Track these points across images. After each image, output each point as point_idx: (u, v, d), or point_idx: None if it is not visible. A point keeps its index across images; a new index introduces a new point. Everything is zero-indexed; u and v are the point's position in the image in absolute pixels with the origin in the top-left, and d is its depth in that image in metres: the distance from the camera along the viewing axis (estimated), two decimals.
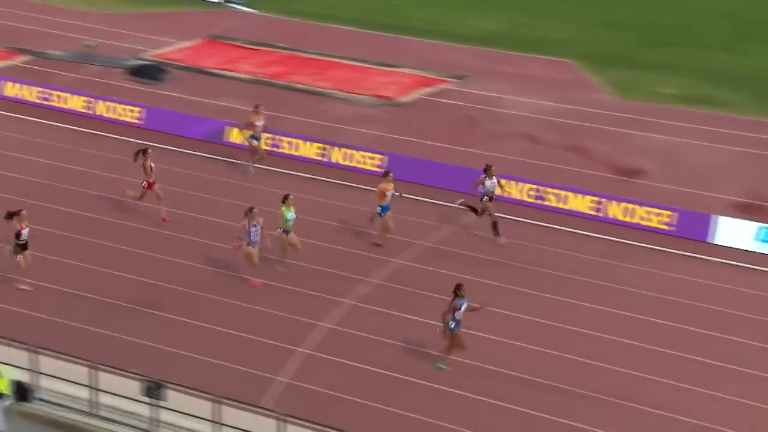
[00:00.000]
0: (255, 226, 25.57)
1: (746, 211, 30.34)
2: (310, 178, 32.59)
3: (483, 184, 28.57)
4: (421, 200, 31.15)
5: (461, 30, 46.45)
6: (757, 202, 30.86)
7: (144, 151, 29.13)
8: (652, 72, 41.51)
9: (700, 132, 35.77)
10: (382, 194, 27.98)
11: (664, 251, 28.40)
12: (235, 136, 34.22)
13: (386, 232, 28.16)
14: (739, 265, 28.20)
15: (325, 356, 23.56)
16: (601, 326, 25.05)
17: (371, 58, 42.35)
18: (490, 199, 28.55)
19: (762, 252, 28.72)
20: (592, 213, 30.84)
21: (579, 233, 29.81)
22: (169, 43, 43.50)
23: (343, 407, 21.79)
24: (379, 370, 23.11)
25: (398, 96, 39.09)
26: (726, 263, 28.33)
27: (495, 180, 28.56)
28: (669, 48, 44.64)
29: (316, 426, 19.14)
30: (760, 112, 37.83)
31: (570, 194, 31.25)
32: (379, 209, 28.09)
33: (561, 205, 31.18)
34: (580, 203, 31.09)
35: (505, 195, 29.55)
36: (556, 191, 31.35)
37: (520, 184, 31.59)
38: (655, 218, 30.05)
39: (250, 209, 25.69)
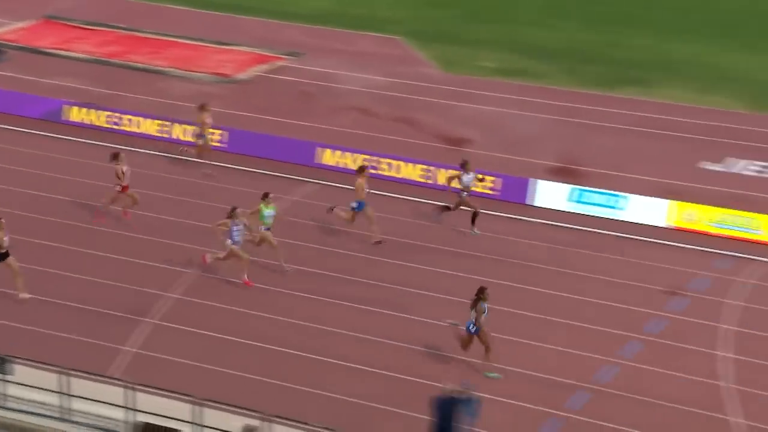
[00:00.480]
0: (238, 225, 24.83)
1: (561, 174, 31.36)
2: (151, 154, 32.11)
3: (460, 179, 27.92)
4: (259, 172, 31.09)
5: (293, 8, 46.27)
6: (570, 165, 31.91)
7: (116, 155, 27.69)
8: (473, 47, 42.29)
9: (518, 102, 36.71)
10: (360, 189, 27.04)
11: (489, 214, 29.10)
12: (81, 115, 33.25)
13: (372, 225, 27.17)
14: (555, 224, 29.17)
15: (173, 326, 23.36)
16: (435, 287, 25.52)
17: (207, 37, 41.84)
18: (468, 193, 28.01)
19: (574, 212, 29.79)
20: (423, 180, 31.38)
21: (411, 200, 30.28)
22: (4, 24, 41.96)
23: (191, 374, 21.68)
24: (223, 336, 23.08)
25: (235, 73, 38.75)
26: (544, 223, 29.26)
27: (472, 174, 27.92)
28: (488, 24, 45.52)
29: (163, 392, 18.96)
30: (570, 82, 39.06)
31: (402, 163, 31.69)
32: (355, 204, 27.16)
33: (394, 174, 31.60)
34: (412, 171, 31.57)
35: (478, 190, 28.69)
36: (388, 161, 31.73)
37: (355, 155, 31.85)
38: (480, 184, 30.73)
39: (233, 209, 24.86)
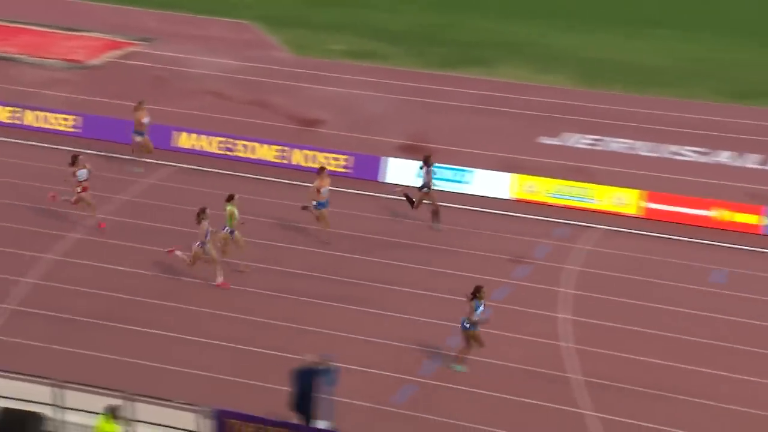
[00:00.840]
0: (208, 227, 24.00)
1: (410, 151, 31.79)
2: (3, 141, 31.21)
3: (422, 173, 27.20)
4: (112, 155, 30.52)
5: None
6: (417, 143, 32.36)
7: (75, 158, 26.41)
8: (323, 31, 42.34)
9: (367, 83, 36.98)
10: (317, 191, 26.32)
11: (342, 191, 29.31)
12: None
13: (325, 226, 26.52)
14: (404, 199, 29.56)
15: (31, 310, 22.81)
16: (289, 263, 25.59)
17: (58, 23, 40.68)
18: (429, 188, 27.47)
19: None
20: (278, 161, 31.34)
21: (266, 180, 30.23)
22: None
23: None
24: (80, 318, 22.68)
25: (87, 59, 37.84)
26: (396, 199, 29.63)
27: (431, 169, 27.19)
28: (336, 8, 45.62)
29: (22, 376, 18.54)
30: (416, 63, 39.58)
31: (257, 144, 31.58)
32: (315, 204, 26.43)
33: (249, 155, 31.45)
34: (267, 152, 31.50)
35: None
36: (243, 142, 31.56)
37: (210, 138, 31.57)
38: (334, 162, 30.91)
39: (203, 210, 23.90)
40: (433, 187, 27.30)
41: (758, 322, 23.48)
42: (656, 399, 20.72)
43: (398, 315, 23.59)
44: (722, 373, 21.56)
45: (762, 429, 19.98)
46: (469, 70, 39.10)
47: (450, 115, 35.17)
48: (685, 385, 21.08)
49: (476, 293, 21.21)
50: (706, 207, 28.52)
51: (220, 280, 24.17)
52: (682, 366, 21.84)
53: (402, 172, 30.57)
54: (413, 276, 25.25)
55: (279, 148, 31.45)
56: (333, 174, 29.94)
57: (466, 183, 30.24)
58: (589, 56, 41.19)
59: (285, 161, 31.24)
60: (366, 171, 30.81)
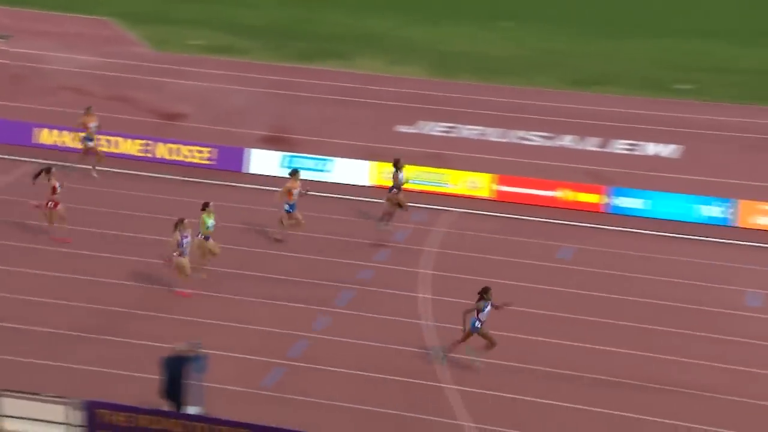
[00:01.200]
0: (186, 237, 23.06)
1: (272, 142, 31.77)
2: None
3: (394, 177, 26.80)
4: None
5: None
6: (279, 134, 32.37)
7: (47, 171, 25.03)
8: (182, 26, 41.84)
9: (227, 77, 36.76)
10: (289, 193, 25.68)
11: (205, 183, 29.06)
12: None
13: (298, 228, 25.90)
14: (270, 189, 29.53)
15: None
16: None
17: None
18: (399, 190, 26.86)
19: (286, 176, 30.21)
20: (142, 155, 30.84)
21: (130, 173, 29.72)
22: None
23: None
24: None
25: None
26: (259, 188, 29.57)
27: (404, 174, 26.76)
28: (195, 4, 45.11)
29: None
30: (274, 57, 39.55)
31: (120, 139, 31.03)
32: (287, 207, 25.81)
33: (113, 150, 30.86)
34: (131, 147, 30.98)
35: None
36: (106, 137, 30.93)
37: (73, 133, 30.83)
38: (198, 155, 30.67)
39: (181, 220, 23.04)
40: (401, 189, 26.87)
41: (602, 294, 24.39)
42: (510, 371, 21.29)
43: (266, 301, 23.57)
44: (568, 342, 22.28)
45: (611, 394, 20.74)
46: (327, 62, 39.26)
47: (310, 106, 35.26)
48: (535, 356, 21.74)
49: (483, 294, 20.98)
50: (552, 188, 29.42)
51: (183, 290, 23.56)
52: (533, 338, 22.51)
53: (265, 163, 30.56)
54: (273, 261, 25.22)
55: (143, 142, 30.99)
56: (197, 166, 29.73)
57: (327, 171, 30.41)
58: (441, 48, 41.89)
59: (149, 155, 30.79)
60: (230, 162, 30.65)
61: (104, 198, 27.46)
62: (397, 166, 26.98)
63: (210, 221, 24.00)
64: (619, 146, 33.36)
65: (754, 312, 23.81)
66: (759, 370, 21.54)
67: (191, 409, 18.24)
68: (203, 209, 24.07)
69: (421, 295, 24.36)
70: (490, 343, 21.12)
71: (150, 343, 21.12)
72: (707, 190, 29.16)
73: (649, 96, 37.23)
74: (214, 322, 22.50)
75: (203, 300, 23.42)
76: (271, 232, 26.32)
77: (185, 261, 23.27)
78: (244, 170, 30.55)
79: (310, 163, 30.42)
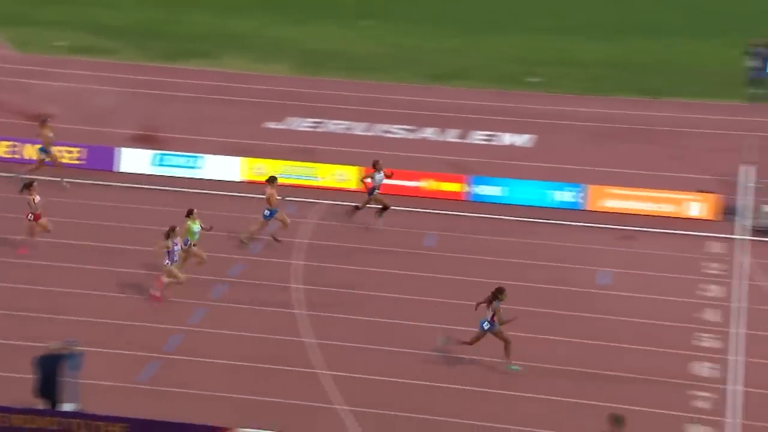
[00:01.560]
0: (177, 244, 22.23)
1: (142, 141, 31.19)
2: None
3: (373, 177, 26.43)
4: None
5: None
6: (149, 133, 31.79)
7: (29, 185, 23.74)
8: (46, 27, 40.71)
9: (93, 78, 35.98)
10: (269, 199, 25.03)
11: (78, 182, 28.35)
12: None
13: (284, 227, 25.41)
14: (141, 187, 29.01)
15: None
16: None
17: None
18: (377, 190, 26.54)
19: (158, 174, 29.79)
20: (10, 156, 29.94)
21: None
22: None
23: None
24: None
25: None
26: (131, 186, 28.98)
27: (383, 174, 26.41)
28: (58, 5, 43.89)
29: None
30: (139, 57, 38.87)
31: None
32: (267, 212, 25.10)
33: None
34: None
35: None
36: None
37: None
38: (68, 155, 29.92)
39: (173, 229, 22.13)
40: (377, 191, 26.83)
41: (463, 278, 24.79)
42: (383, 354, 21.51)
43: (138, 297, 23.13)
44: (432, 324, 22.53)
45: (479, 373, 21.15)
46: (193, 62, 38.77)
47: (178, 105, 34.78)
48: (404, 339, 22.01)
49: (498, 294, 20.69)
50: (417, 178, 29.79)
51: (157, 293, 22.87)
52: (403, 322, 22.76)
53: (136, 161, 30.01)
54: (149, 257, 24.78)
55: (10, 143, 30.08)
56: (67, 166, 28.92)
57: (198, 168, 30.04)
58: (305, 47, 41.85)
59: (17, 156, 29.90)
60: (100, 162, 30.02)
61: None
62: (376, 167, 26.97)
63: (195, 227, 23.50)
64: (478, 137, 34.02)
65: (604, 289, 24.64)
66: (608, 343, 22.29)
67: (66, 406, 17.77)
68: (188, 215, 23.53)
69: (293, 285, 24.33)
70: (504, 340, 20.78)
71: (23, 343, 20.43)
72: (559, 177, 30.02)
73: (503, 89, 38.07)
74: (87, 319, 21.94)
75: (77, 297, 22.82)
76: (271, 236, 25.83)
77: (174, 268, 22.76)
78: (114, 169, 29.91)
79: (181, 161, 29.98)
